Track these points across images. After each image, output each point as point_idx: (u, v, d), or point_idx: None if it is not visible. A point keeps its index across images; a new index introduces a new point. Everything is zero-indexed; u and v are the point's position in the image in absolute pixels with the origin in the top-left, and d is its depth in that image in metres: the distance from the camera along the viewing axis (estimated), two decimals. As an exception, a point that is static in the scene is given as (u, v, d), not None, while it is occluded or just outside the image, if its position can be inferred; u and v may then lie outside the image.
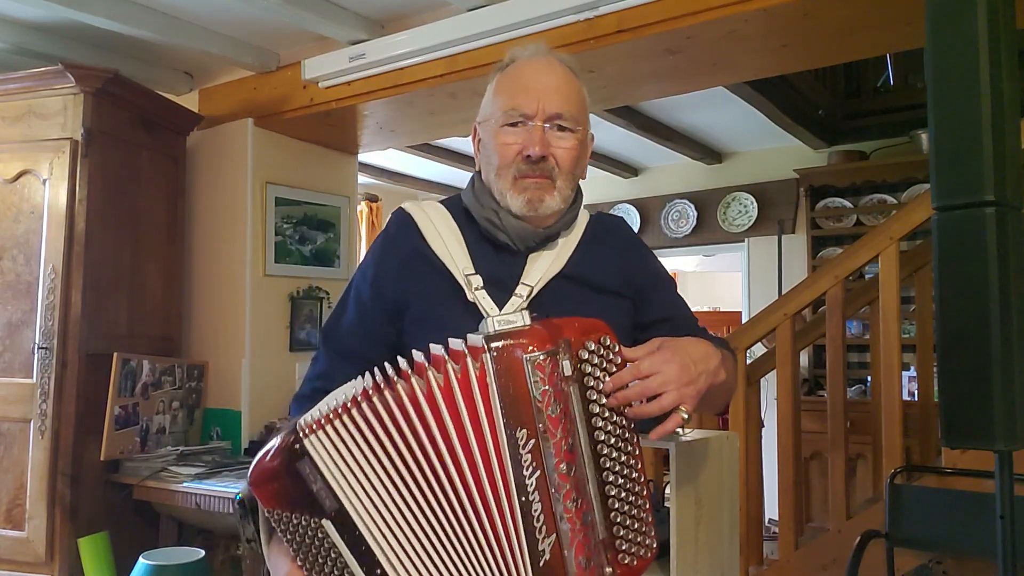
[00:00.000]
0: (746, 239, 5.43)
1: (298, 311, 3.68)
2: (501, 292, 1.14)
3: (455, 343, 0.99)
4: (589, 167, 5.25)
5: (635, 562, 0.99)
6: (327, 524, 0.96)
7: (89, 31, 3.11)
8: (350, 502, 0.96)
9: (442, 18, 2.90)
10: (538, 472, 0.96)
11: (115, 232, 3.15)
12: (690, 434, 2.02)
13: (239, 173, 3.55)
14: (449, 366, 0.97)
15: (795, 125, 4.52)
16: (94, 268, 3.02)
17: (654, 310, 1.27)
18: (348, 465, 0.97)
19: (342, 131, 3.67)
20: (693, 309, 1.37)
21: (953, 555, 2.59)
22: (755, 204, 5.34)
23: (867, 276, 3.83)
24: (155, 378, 3.24)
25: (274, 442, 0.99)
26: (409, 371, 0.98)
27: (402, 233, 1.24)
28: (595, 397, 0.99)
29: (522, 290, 1.15)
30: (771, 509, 3.29)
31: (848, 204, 4.86)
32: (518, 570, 0.95)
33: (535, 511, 0.95)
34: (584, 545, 0.96)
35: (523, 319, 1.03)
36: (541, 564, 0.95)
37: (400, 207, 1.28)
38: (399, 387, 0.97)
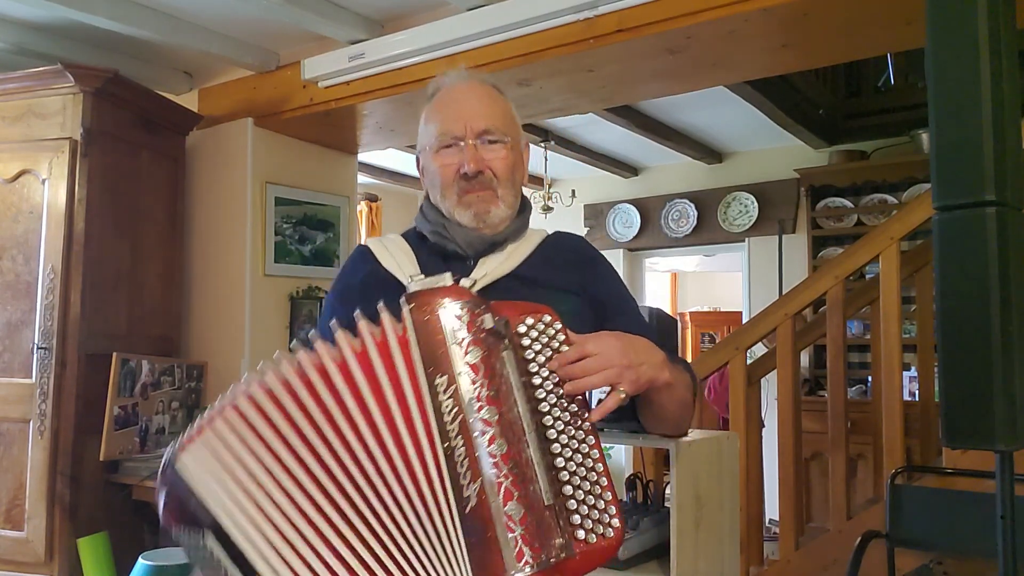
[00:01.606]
0: (746, 239, 5.43)
1: (298, 311, 3.68)
2: None
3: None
4: (589, 167, 5.23)
5: (594, 539, 0.97)
6: (209, 538, 0.98)
7: (89, 31, 3.11)
8: (226, 514, 0.97)
9: (441, 18, 2.90)
10: (460, 417, 0.95)
11: (114, 232, 3.15)
12: (690, 434, 2.02)
13: (239, 173, 3.55)
14: (366, 331, 1.00)
15: (795, 125, 4.53)
16: (93, 268, 3.02)
17: (619, 324, 1.25)
18: (219, 477, 0.97)
19: (342, 131, 3.67)
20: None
21: (953, 555, 2.59)
22: (755, 204, 5.34)
23: (867, 276, 3.83)
24: (154, 378, 3.24)
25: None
26: (310, 351, 1.00)
27: (360, 259, 1.32)
28: (536, 369, 1.01)
29: (465, 283, 1.17)
30: (771, 509, 3.29)
31: (849, 204, 4.86)
32: (443, 517, 0.93)
33: (459, 456, 0.94)
34: (513, 492, 0.93)
35: (444, 281, 1.05)
36: (467, 510, 0.93)
37: (360, 243, 1.38)
38: (284, 370, 0.98)
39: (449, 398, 0.96)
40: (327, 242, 3.86)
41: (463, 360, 0.97)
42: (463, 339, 0.98)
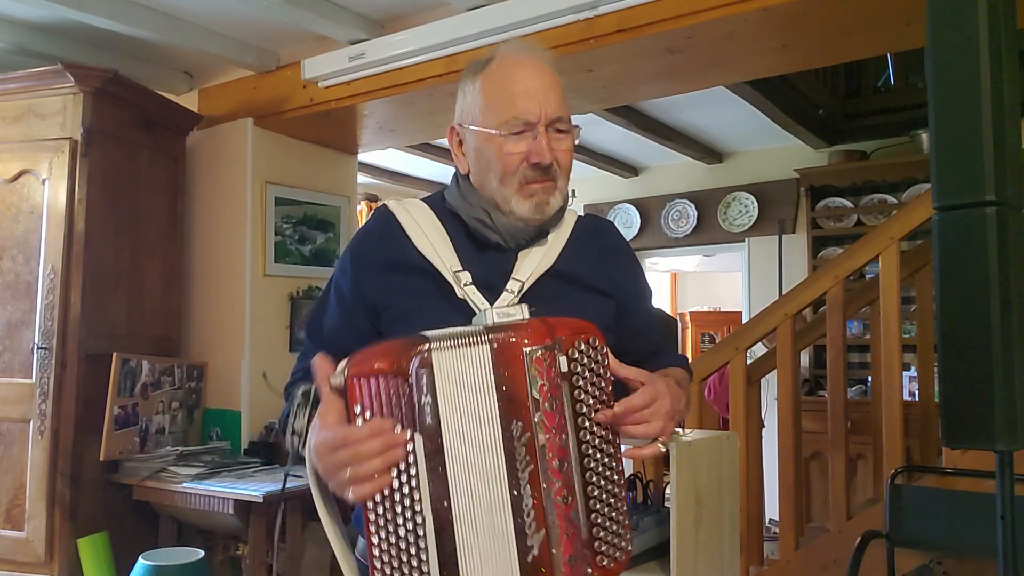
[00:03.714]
0: (746, 239, 5.43)
1: (298, 311, 3.68)
2: (489, 291, 1.14)
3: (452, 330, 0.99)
4: (589, 167, 5.24)
5: (612, 564, 1.00)
6: (418, 438, 0.94)
7: (89, 31, 3.11)
8: (448, 427, 0.95)
9: (442, 18, 2.90)
10: (531, 467, 0.96)
11: (115, 232, 3.15)
12: (690, 434, 2.02)
13: (239, 173, 3.55)
14: (482, 348, 0.98)
15: (795, 125, 4.53)
16: (94, 268, 3.02)
17: (633, 320, 1.28)
18: (458, 392, 0.96)
19: (342, 131, 3.67)
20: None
21: (953, 555, 2.59)
22: (755, 204, 5.34)
23: (867, 276, 3.83)
24: (155, 378, 3.24)
25: (386, 344, 0.98)
26: (479, 339, 0.99)
27: (383, 231, 1.22)
28: (583, 397, 1.00)
29: (513, 285, 1.15)
30: (771, 509, 3.29)
31: (849, 204, 4.86)
32: (504, 566, 0.95)
33: (526, 506, 0.96)
34: (572, 543, 0.97)
35: (522, 312, 1.03)
36: (529, 559, 0.95)
37: (384, 204, 1.27)
38: (483, 348, 0.98)
39: (523, 446, 0.96)
40: (327, 242, 3.86)
41: (540, 409, 0.97)
42: (542, 385, 0.97)
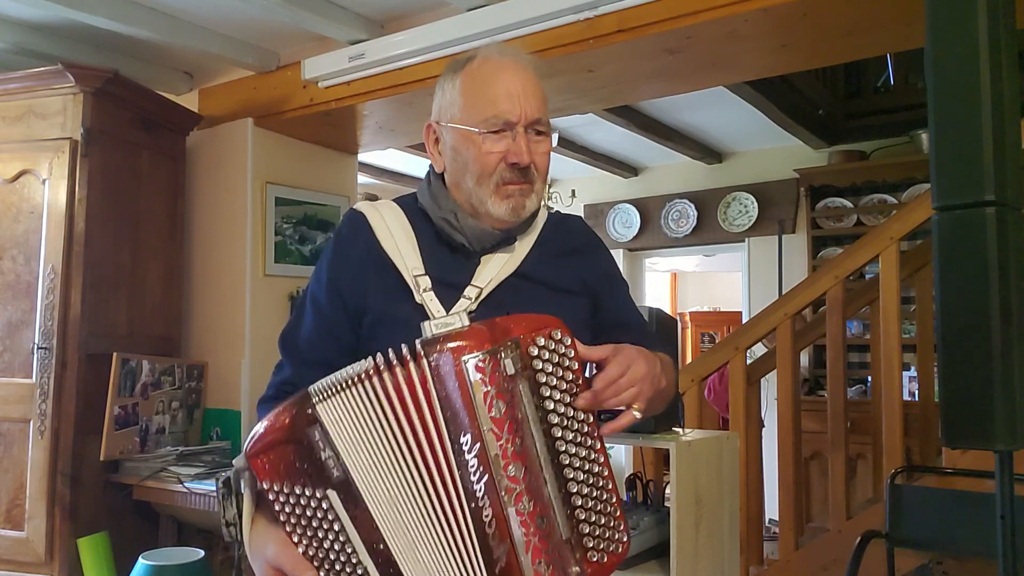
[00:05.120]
0: (746, 239, 5.44)
1: (298, 311, 3.68)
2: (453, 293, 1.13)
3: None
4: (589, 167, 5.23)
5: (605, 558, 0.99)
6: (332, 494, 0.95)
7: (89, 31, 3.11)
8: (358, 473, 0.95)
9: (442, 18, 2.90)
10: (486, 476, 0.95)
11: (115, 232, 3.15)
12: (690, 434, 2.03)
13: (239, 173, 3.55)
14: (398, 371, 0.97)
15: (795, 125, 4.53)
16: (94, 268, 3.02)
17: (611, 314, 1.27)
18: (357, 435, 0.96)
19: (342, 131, 3.67)
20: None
21: (953, 555, 2.59)
22: (755, 204, 5.35)
23: (867, 276, 3.84)
24: (155, 378, 3.24)
25: (275, 413, 0.98)
26: (395, 362, 0.98)
27: (355, 234, 1.22)
28: (548, 393, 0.98)
29: (471, 292, 1.14)
30: (771, 509, 3.29)
31: (848, 204, 4.86)
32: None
33: (486, 517, 0.94)
34: (541, 549, 0.95)
35: (461, 321, 1.02)
36: (497, 571, 0.94)
37: (352, 207, 1.27)
38: (398, 372, 0.97)
39: (475, 457, 0.95)
40: (327, 242, 3.86)
41: (488, 416, 0.95)
42: (487, 392, 0.95)
